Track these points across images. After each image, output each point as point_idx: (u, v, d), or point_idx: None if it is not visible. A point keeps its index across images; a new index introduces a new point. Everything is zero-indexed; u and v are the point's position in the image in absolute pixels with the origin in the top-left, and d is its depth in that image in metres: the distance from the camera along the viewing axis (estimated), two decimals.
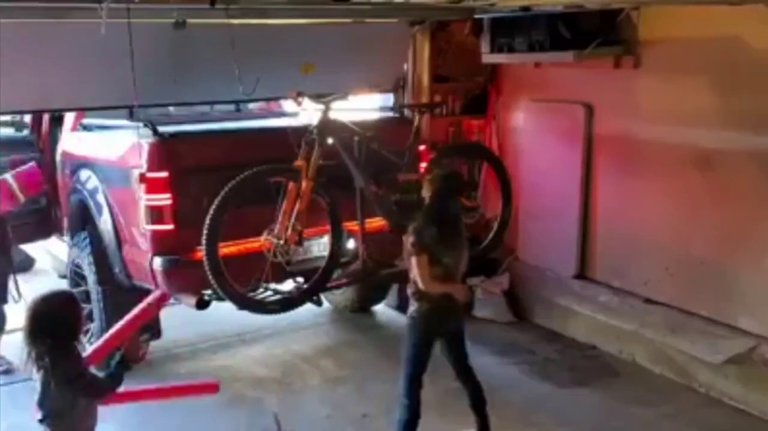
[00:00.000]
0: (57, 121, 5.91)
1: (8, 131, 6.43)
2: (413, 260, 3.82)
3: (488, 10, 5.39)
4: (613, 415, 4.59)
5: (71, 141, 5.63)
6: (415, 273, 3.83)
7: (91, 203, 5.09)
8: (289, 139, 4.40)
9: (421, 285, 3.85)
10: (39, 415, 3.03)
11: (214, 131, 5.27)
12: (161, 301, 4.55)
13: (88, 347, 5.03)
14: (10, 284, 5.24)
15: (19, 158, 5.79)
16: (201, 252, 4.24)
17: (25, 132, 6.31)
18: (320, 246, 4.87)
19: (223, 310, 4.70)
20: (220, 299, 4.46)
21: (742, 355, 4.67)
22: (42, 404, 3.02)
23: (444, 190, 3.96)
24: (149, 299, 4.46)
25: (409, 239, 3.85)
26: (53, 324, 3.00)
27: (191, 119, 5.77)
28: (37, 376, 3.01)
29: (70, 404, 3.03)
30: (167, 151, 4.47)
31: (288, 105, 6.29)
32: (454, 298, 3.92)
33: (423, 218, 3.92)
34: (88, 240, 5.16)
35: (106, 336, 4.27)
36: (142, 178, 4.45)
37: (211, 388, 4.16)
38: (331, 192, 4.54)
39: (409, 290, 3.97)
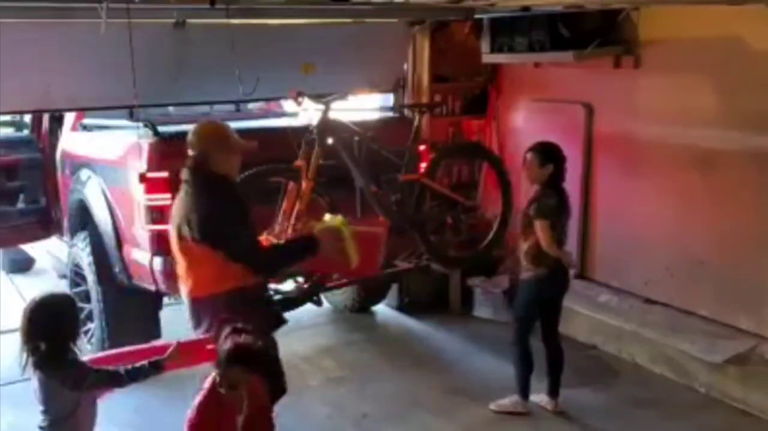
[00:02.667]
0: (57, 121, 5.91)
1: (8, 131, 6.44)
2: (537, 224, 4.27)
3: (488, 10, 5.39)
4: (613, 415, 4.59)
5: (71, 141, 5.63)
6: (540, 237, 4.26)
7: (91, 203, 5.09)
8: (289, 139, 4.40)
9: (545, 248, 4.27)
10: (44, 422, 3.00)
11: None
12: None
13: (88, 347, 5.06)
14: None
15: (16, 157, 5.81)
16: None
17: (25, 132, 6.31)
18: None
19: None
20: None
21: (742, 355, 4.67)
22: (47, 409, 2.99)
23: (558, 162, 4.39)
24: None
25: (531, 207, 4.31)
26: (50, 328, 2.96)
27: (191, 119, 5.76)
28: (35, 380, 2.98)
29: (75, 405, 3.00)
30: (167, 151, 4.46)
31: (288, 105, 6.29)
32: (563, 263, 4.40)
33: (543, 189, 4.37)
34: (88, 240, 5.15)
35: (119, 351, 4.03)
36: (142, 178, 4.45)
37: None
38: (331, 192, 4.53)
39: (525, 258, 4.40)
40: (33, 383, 3.00)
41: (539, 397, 4.59)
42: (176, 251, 3.41)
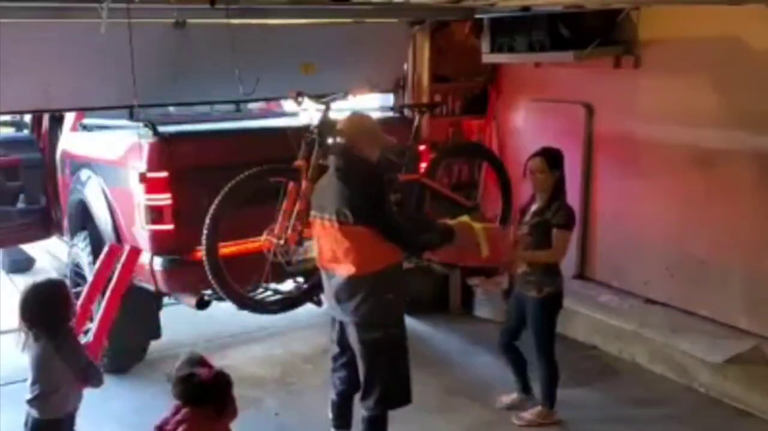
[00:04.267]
0: (57, 121, 5.90)
1: (8, 131, 6.44)
2: (561, 234, 4.20)
3: (488, 10, 5.40)
4: (613, 415, 4.59)
5: (71, 141, 5.63)
6: (560, 247, 4.21)
7: (91, 203, 5.08)
8: (289, 139, 4.40)
9: (560, 259, 4.27)
10: (32, 394, 3.21)
11: (214, 131, 5.27)
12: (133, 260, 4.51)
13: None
14: None
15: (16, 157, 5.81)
16: (201, 252, 4.24)
17: (25, 132, 6.31)
18: None
19: (223, 310, 4.70)
20: (220, 299, 4.46)
21: (742, 355, 4.67)
22: (36, 380, 3.20)
23: (561, 165, 4.31)
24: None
25: (557, 215, 4.20)
26: (45, 308, 3.21)
27: (191, 119, 5.77)
28: (31, 352, 3.20)
29: (62, 381, 3.20)
30: (167, 151, 4.46)
31: (288, 105, 6.29)
32: None
33: (558, 195, 4.26)
34: (88, 240, 5.15)
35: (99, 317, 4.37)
36: (142, 178, 4.44)
37: None
38: None
39: (535, 271, 4.28)
40: (28, 357, 3.22)
41: (510, 397, 4.62)
42: (333, 235, 3.57)
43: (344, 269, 3.59)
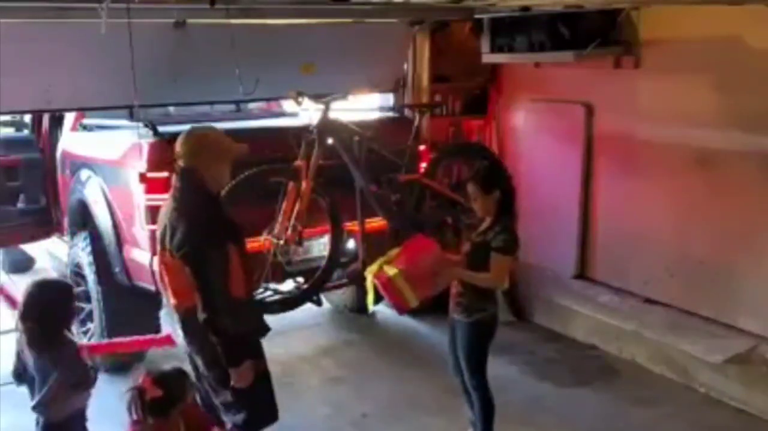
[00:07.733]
0: (57, 121, 5.91)
1: (8, 131, 6.44)
2: (501, 260, 3.80)
3: (488, 10, 5.40)
4: (613, 415, 4.59)
5: (71, 141, 5.64)
6: (498, 272, 3.82)
7: (91, 203, 5.09)
8: (289, 139, 4.40)
9: (498, 284, 3.95)
10: (33, 400, 3.14)
11: None
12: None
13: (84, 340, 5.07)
14: None
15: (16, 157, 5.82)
16: None
17: (25, 132, 6.32)
18: (320, 246, 4.87)
19: None
20: None
21: (742, 355, 4.67)
22: (37, 387, 3.12)
23: (508, 184, 3.99)
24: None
25: (499, 237, 3.78)
26: (43, 310, 3.11)
27: (191, 119, 5.77)
28: (30, 358, 3.11)
29: (60, 388, 3.11)
30: (167, 151, 4.45)
31: (288, 105, 6.29)
32: None
33: (505, 215, 3.87)
34: (88, 240, 5.15)
35: (115, 341, 4.28)
36: (142, 178, 4.45)
37: (168, 341, 3.82)
38: (331, 192, 4.53)
39: (474, 293, 3.89)
40: (29, 361, 3.14)
41: None
42: (164, 263, 3.27)
43: (173, 303, 3.26)
